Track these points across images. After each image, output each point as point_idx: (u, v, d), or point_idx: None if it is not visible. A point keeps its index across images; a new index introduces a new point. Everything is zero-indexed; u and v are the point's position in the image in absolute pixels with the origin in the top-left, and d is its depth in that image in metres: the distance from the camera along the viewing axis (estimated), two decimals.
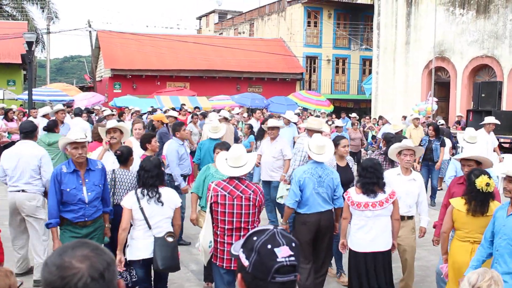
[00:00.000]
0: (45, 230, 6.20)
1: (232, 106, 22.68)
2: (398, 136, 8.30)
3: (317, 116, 20.45)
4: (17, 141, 14.14)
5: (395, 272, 5.84)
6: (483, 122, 11.17)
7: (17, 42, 25.55)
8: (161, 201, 4.98)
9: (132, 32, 33.16)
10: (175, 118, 12.65)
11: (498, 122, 11.58)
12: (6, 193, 6.85)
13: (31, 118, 14.35)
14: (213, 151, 6.43)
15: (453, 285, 4.79)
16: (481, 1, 23.22)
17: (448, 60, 24.75)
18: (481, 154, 5.81)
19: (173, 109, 17.90)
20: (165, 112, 14.89)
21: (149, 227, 4.98)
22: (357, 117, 19.78)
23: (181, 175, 7.99)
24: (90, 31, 32.73)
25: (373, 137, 17.35)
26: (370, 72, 33.08)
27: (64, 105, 16.20)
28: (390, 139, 7.60)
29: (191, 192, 6.32)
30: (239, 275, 1.72)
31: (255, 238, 1.70)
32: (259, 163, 8.92)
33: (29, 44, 18.52)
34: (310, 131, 7.80)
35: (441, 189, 12.18)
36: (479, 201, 4.75)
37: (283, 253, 1.65)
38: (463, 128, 17.32)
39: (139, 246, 5.00)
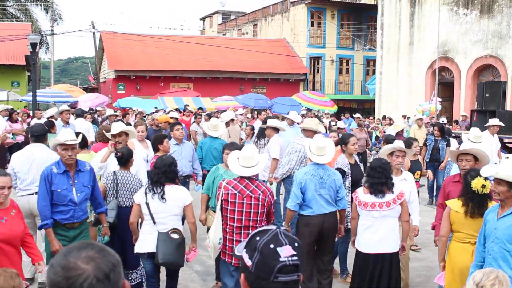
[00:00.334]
0: None
1: (235, 107, 22.69)
2: (408, 139, 8.32)
3: (321, 116, 20.43)
4: (21, 142, 14.17)
5: None
6: (487, 124, 11.14)
7: (21, 44, 25.64)
8: (164, 198, 5.05)
9: (135, 33, 33.21)
10: (176, 119, 12.71)
11: (502, 124, 11.55)
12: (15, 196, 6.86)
13: (35, 120, 14.41)
14: (222, 151, 6.48)
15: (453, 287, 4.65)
16: (484, 1, 23.15)
17: (452, 60, 24.69)
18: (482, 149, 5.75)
19: (177, 109, 17.96)
20: (167, 113, 14.94)
21: (154, 222, 5.07)
22: (361, 117, 19.77)
23: (184, 176, 8.05)
24: (93, 32, 32.79)
25: (377, 137, 17.31)
26: (373, 72, 33.04)
27: (68, 106, 16.26)
28: (390, 140, 7.65)
29: (202, 193, 6.36)
30: (242, 275, 1.72)
31: (258, 238, 1.70)
32: None
33: (33, 45, 18.58)
34: (306, 131, 7.88)
35: None
36: (476, 203, 4.65)
37: (285, 252, 1.65)
38: (467, 128, 17.28)
39: (146, 239, 5.12)
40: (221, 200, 5.09)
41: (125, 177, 5.80)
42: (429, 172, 10.96)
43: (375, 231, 5.32)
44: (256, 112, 16.76)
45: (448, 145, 11.40)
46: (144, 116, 16.59)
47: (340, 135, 11.05)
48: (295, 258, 1.66)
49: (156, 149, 7.12)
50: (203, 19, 53.80)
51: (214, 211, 5.91)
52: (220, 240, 5.14)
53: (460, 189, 5.13)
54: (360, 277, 5.40)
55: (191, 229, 5.27)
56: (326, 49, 35.43)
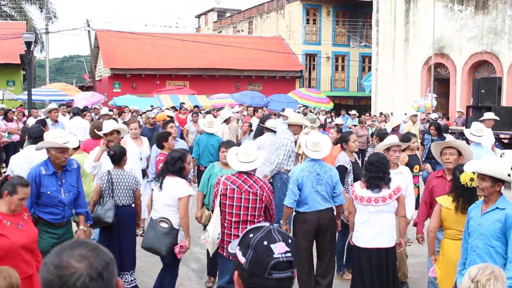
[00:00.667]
0: None
1: (232, 105, 22.67)
2: (407, 134, 8.34)
3: (317, 113, 20.42)
4: (17, 141, 14.10)
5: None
6: (482, 118, 11.17)
7: (16, 42, 25.53)
8: (161, 187, 5.29)
9: (131, 31, 33.14)
10: (171, 117, 12.68)
11: (497, 118, 11.58)
12: None
13: (31, 119, 14.37)
14: (218, 149, 6.50)
15: (448, 283, 4.60)
16: None
17: (448, 56, 24.73)
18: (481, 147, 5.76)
19: (173, 107, 17.92)
20: (163, 111, 14.89)
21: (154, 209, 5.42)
22: (357, 114, 19.79)
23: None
24: (89, 31, 32.68)
25: (372, 134, 17.32)
26: (369, 69, 33.07)
27: (63, 104, 16.20)
28: (382, 135, 7.69)
29: (197, 190, 6.36)
30: (236, 273, 1.71)
31: (251, 235, 1.70)
32: None
33: (28, 44, 18.50)
34: (292, 126, 7.89)
35: None
36: (466, 197, 4.63)
37: (279, 249, 1.65)
38: (463, 124, 17.31)
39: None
40: (220, 195, 5.18)
41: (120, 175, 5.74)
42: (428, 165, 10.95)
43: (370, 226, 5.33)
44: (252, 109, 16.70)
45: None
46: (140, 114, 16.53)
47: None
48: (289, 254, 1.66)
49: (161, 147, 7.22)
50: (198, 16, 53.70)
51: (208, 209, 5.94)
52: (219, 235, 5.22)
53: (444, 184, 5.13)
54: (360, 274, 5.41)
55: (181, 224, 5.27)
56: (321, 46, 35.45)
